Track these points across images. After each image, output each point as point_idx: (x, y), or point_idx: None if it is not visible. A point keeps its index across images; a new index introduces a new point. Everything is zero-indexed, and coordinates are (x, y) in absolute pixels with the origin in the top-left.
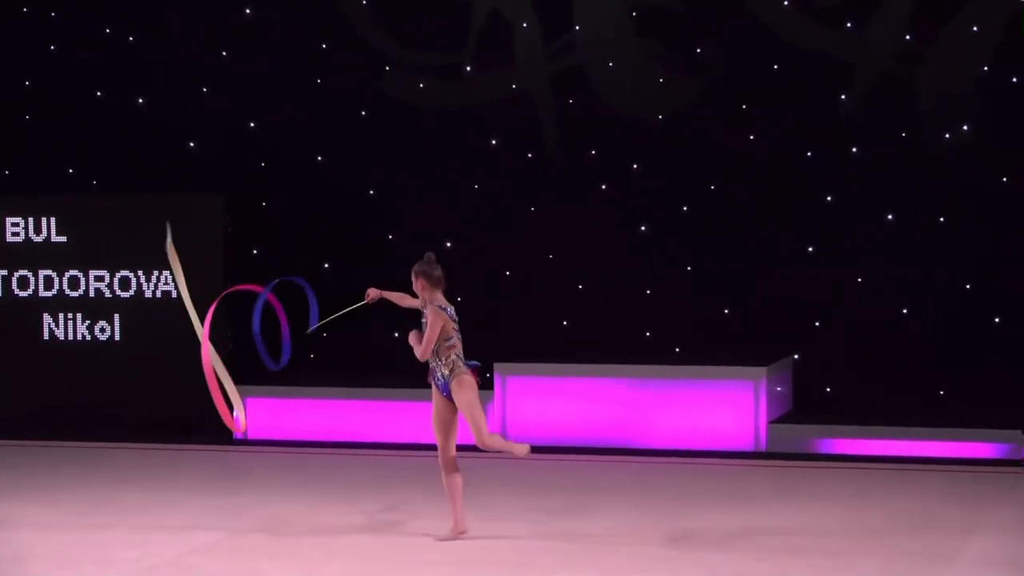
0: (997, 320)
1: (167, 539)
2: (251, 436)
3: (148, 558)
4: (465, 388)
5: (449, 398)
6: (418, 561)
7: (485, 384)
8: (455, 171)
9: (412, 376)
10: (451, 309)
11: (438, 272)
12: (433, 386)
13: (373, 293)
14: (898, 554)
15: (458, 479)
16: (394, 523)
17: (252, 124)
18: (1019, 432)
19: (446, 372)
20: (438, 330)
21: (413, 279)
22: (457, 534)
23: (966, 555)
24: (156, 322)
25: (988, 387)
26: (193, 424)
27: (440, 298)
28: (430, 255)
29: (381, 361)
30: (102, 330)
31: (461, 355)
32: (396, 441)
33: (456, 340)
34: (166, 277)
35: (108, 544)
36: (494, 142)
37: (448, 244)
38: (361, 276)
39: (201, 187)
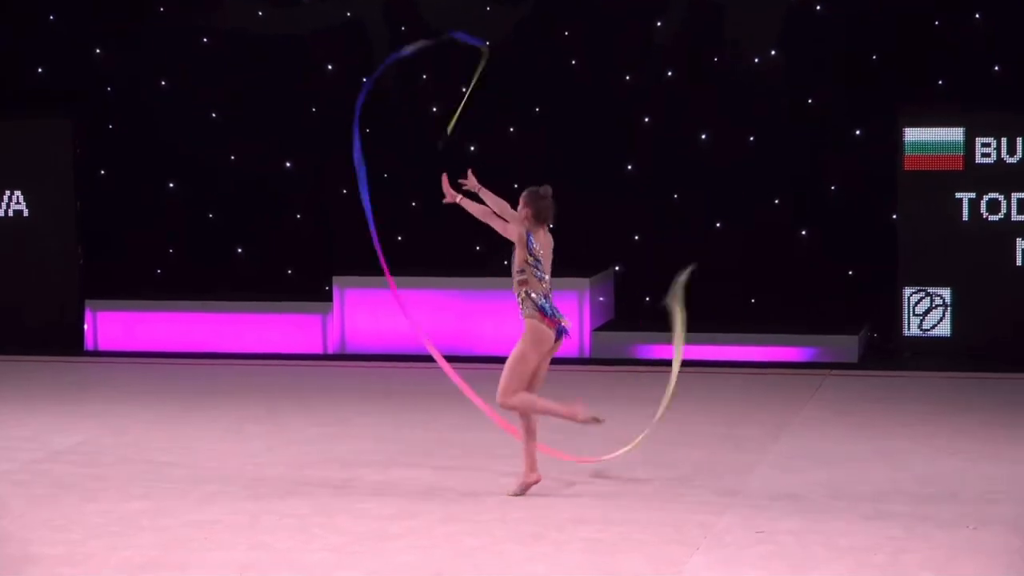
0: (803, 232)
1: (22, 445)
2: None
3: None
4: (525, 334)
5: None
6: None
7: (323, 297)
8: (293, 95)
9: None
10: (535, 244)
11: (547, 209)
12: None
13: (464, 188)
14: (712, 450)
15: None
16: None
17: (98, 51)
18: (821, 336)
19: (520, 305)
20: (515, 237)
21: (520, 205)
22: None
23: (777, 448)
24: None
25: (793, 295)
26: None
27: (540, 232)
28: (547, 188)
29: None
30: None
31: (539, 298)
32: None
33: (530, 276)
34: (17, 197)
35: None
36: (330, 67)
37: (288, 164)
38: (205, 197)
39: (49, 113)
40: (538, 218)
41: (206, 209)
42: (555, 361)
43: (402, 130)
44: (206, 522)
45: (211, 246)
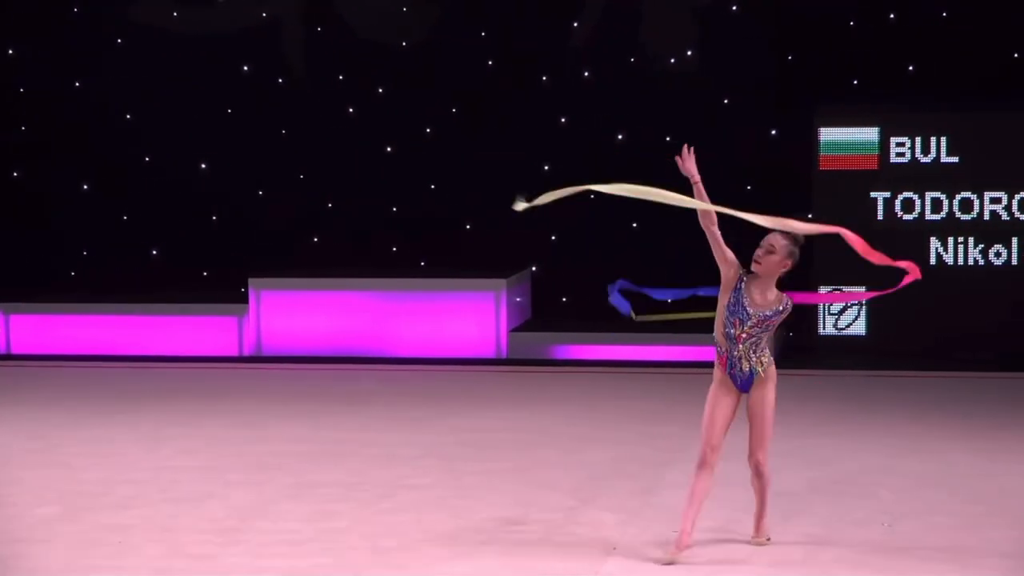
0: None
1: None
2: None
3: None
4: (774, 385)
5: (741, 392)
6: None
7: (239, 298)
8: (208, 95)
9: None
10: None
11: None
12: (721, 373)
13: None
14: (630, 447)
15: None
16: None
17: (10, 51)
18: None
19: (757, 366)
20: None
21: (779, 256)
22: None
23: (693, 448)
24: None
25: (710, 295)
26: None
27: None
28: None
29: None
30: None
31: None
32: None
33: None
34: None
35: None
36: (245, 68)
37: (203, 166)
38: (119, 198)
39: None
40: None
41: (120, 211)
42: (472, 362)
43: (318, 130)
44: (121, 527)
45: (126, 248)
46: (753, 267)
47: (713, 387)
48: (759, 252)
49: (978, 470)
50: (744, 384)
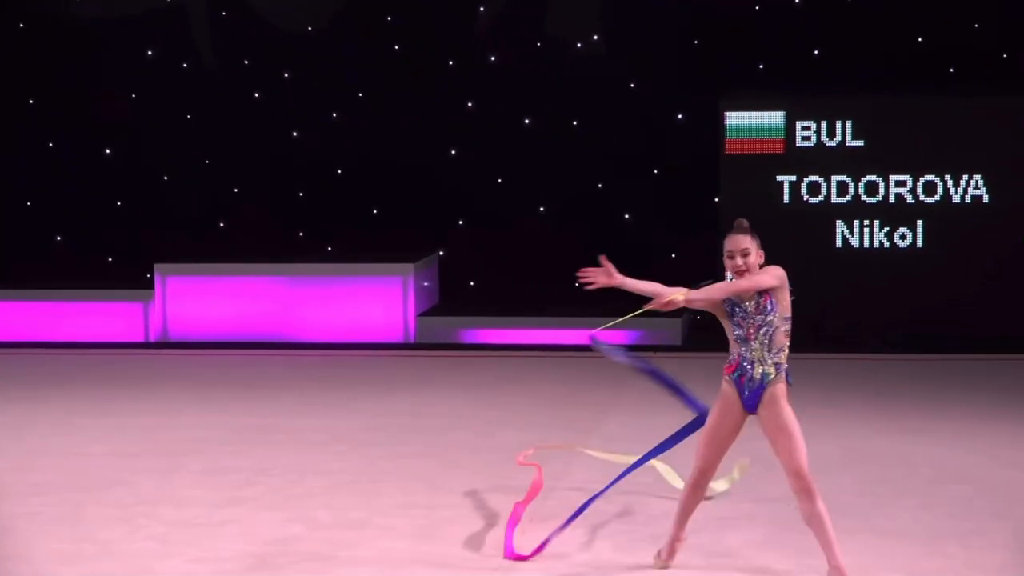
0: (627, 216)
1: None
2: None
3: None
4: (786, 400)
5: (747, 412)
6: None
7: (145, 285)
8: (113, 80)
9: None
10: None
11: None
12: (726, 386)
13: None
14: (540, 431)
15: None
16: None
17: None
18: (646, 319)
19: (769, 371)
20: (766, 285)
21: (754, 252)
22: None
23: (603, 429)
24: None
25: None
26: None
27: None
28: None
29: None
30: None
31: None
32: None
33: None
34: None
35: None
36: (150, 52)
37: (107, 151)
38: (23, 186)
39: None
40: None
41: (24, 197)
42: (380, 347)
43: (225, 115)
44: (29, 514)
45: (31, 235)
46: (737, 278)
47: (718, 406)
48: (738, 262)
49: (888, 450)
50: (752, 398)
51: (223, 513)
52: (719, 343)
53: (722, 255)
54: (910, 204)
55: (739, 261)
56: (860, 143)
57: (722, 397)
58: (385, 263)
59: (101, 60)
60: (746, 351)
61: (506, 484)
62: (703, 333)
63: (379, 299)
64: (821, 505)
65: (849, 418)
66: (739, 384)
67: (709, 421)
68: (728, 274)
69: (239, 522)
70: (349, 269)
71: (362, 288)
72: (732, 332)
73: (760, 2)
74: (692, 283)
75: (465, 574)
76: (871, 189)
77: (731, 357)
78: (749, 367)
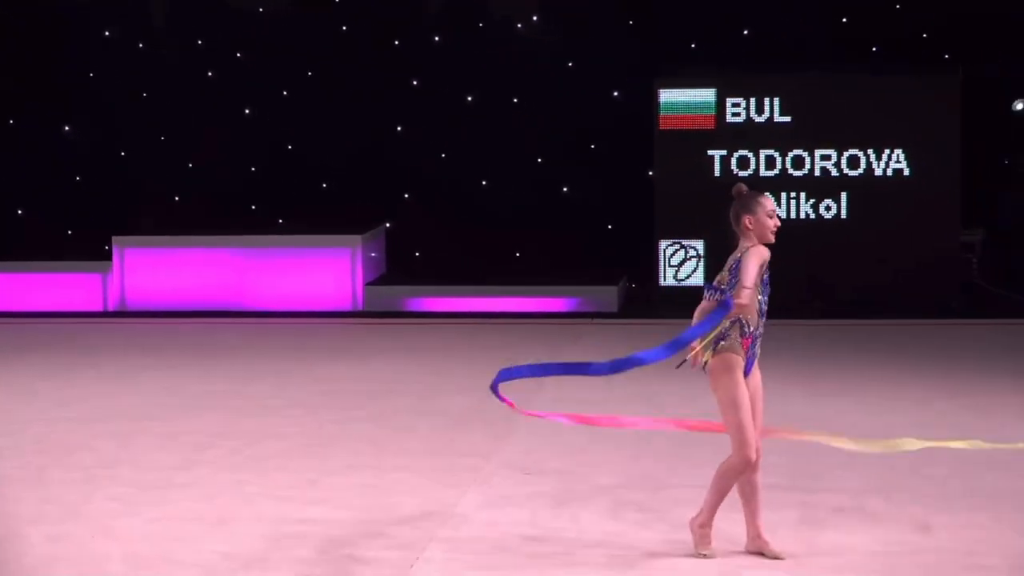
0: (565, 189)
1: None
2: None
3: None
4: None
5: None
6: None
7: (103, 256)
8: (71, 59)
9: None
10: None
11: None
12: (739, 359)
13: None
14: (484, 395)
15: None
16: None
17: None
18: (583, 287)
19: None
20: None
21: (742, 219)
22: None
23: (541, 395)
24: None
25: (556, 249)
26: None
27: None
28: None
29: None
30: None
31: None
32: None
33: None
34: None
35: None
36: (107, 33)
37: (66, 128)
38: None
39: None
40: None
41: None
42: (330, 315)
43: (179, 93)
44: None
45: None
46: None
47: (737, 379)
48: (777, 220)
49: (812, 414)
50: (748, 365)
51: (182, 475)
52: (652, 309)
53: (744, 215)
54: (835, 177)
55: (777, 219)
56: (787, 119)
57: (738, 369)
58: (334, 235)
59: (61, 39)
60: (760, 326)
61: (449, 446)
62: (637, 300)
63: (329, 269)
64: (750, 474)
65: (776, 382)
66: (748, 358)
67: (742, 401)
68: (743, 240)
69: (197, 484)
70: (300, 241)
71: (313, 259)
72: (757, 300)
73: None
74: (705, 283)
75: (412, 527)
76: (798, 163)
77: (748, 330)
78: (758, 340)
